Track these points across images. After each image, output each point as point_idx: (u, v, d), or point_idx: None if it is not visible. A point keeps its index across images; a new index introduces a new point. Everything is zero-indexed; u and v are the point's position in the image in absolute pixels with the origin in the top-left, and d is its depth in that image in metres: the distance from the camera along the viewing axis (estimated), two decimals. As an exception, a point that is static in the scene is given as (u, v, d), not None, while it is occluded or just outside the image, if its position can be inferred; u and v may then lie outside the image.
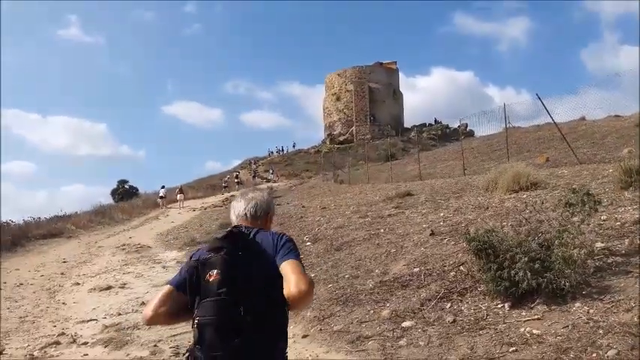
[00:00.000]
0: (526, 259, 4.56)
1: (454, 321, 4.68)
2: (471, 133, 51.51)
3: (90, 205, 26.72)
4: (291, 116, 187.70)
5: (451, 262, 6.09)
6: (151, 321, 1.97)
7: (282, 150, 60.62)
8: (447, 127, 62.46)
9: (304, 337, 5.29)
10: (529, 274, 4.48)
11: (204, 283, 1.82)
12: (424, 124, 63.51)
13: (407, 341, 4.59)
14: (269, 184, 34.90)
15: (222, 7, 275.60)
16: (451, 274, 5.78)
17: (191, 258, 2.02)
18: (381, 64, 62.74)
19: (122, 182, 48.49)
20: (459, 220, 8.02)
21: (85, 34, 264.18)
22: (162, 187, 29.21)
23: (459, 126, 64.86)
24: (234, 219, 2.26)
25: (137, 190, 44.08)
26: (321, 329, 5.35)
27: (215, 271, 1.80)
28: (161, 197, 28.04)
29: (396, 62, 65.31)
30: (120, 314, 7.01)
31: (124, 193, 44.30)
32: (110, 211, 25.00)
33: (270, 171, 40.99)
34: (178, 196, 27.44)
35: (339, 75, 61.25)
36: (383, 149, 42.14)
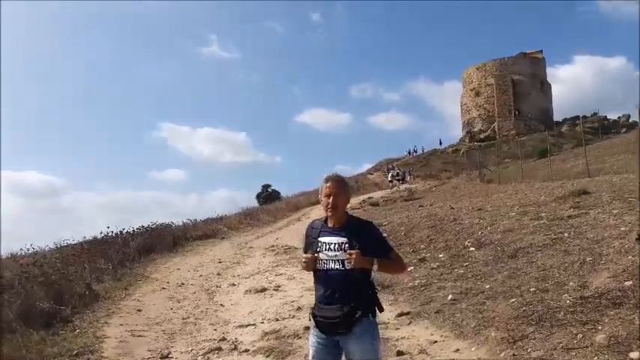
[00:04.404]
0: None
1: None
2: (634, 125, 45.46)
3: (235, 208, 28.14)
4: (419, 116, 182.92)
5: (682, 276, 4.74)
6: None
7: (416, 150, 58.26)
8: (606, 118, 56.02)
9: (494, 362, 4.39)
10: None
11: None
12: (577, 117, 57.50)
13: (645, 380, 3.49)
14: (406, 186, 33.73)
15: (343, 9, 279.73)
16: (686, 291, 4.47)
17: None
18: (525, 54, 58.14)
19: (266, 186, 51.01)
20: (671, 222, 6.47)
21: (223, 50, 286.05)
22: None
23: (619, 117, 58.09)
24: None
25: (279, 193, 45.89)
26: (514, 355, 4.39)
27: None
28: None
29: (541, 51, 60.15)
30: (277, 320, 6.71)
31: (267, 196, 46.38)
32: (257, 213, 26.01)
33: (409, 172, 39.64)
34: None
35: (477, 69, 58.02)
36: (531, 145, 38.79)
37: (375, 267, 2.72)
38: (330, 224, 2.83)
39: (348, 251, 2.67)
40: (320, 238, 2.80)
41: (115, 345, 5.94)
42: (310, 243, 2.84)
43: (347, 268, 2.69)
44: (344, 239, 2.73)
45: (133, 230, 15.04)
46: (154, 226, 16.41)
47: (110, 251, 12.20)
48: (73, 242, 13.85)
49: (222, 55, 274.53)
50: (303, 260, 2.81)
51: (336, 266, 2.72)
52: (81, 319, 6.94)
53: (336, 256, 2.72)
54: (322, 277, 2.77)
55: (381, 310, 2.83)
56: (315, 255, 2.77)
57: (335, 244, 2.74)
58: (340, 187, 2.78)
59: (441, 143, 57.76)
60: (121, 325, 6.85)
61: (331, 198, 2.74)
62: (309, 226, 2.97)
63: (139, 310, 7.79)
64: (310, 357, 2.88)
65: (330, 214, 2.79)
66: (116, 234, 14.27)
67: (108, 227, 14.28)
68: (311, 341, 2.89)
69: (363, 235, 2.74)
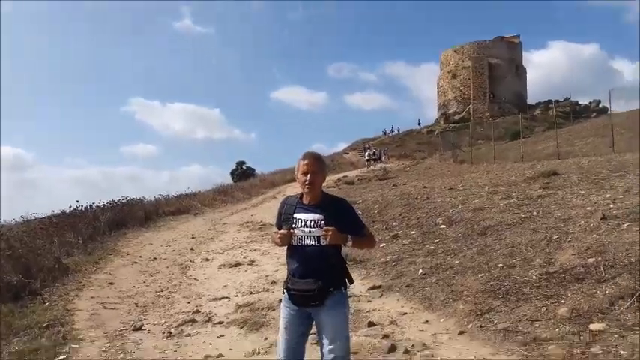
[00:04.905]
0: None
1: (669, 328, 3.65)
2: (603, 110, 46.55)
3: (209, 185, 27.90)
4: (395, 97, 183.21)
5: (641, 253, 4.94)
6: None
7: (392, 130, 58.68)
8: (577, 103, 57.13)
9: (461, 333, 4.54)
10: None
11: None
12: (549, 101, 58.50)
13: (602, 349, 3.66)
14: (381, 165, 33.95)
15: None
16: (645, 267, 4.66)
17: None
18: (502, 38, 58.56)
19: (240, 163, 50.60)
20: (634, 203, 6.70)
21: (197, 25, 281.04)
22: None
23: (589, 102, 59.31)
24: None
25: (254, 170, 45.66)
26: (481, 326, 4.55)
27: None
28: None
29: (518, 36, 60.65)
30: (252, 293, 6.76)
31: (242, 173, 46.10)
32: (231, 190, 25.87)
33: (384, 152, 39.84)
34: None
35: (455, 51, 58.24)
36: (504, 127, 39.37)
37: (350, 243, 2.85)
38: (305, 201, 2.86)
39: (324, 228, 2.73)
40: (295, 215, 2.84)
41: (87, 317, 5.88)
42: (285, 219, 2.87)
43: (322, 244, 2.75)
44: (320, 216, 2.78)
45: (104, 205, 14.77)
46: (125, 200, 16.16)
47: (80, 225, 11.96)
48: (40, 216, 13.56)
49: (196, 29, 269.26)
50: (278, 236, 2.84)
51: (311, 242, 2.78)
52: (51, 292, 6.85)
53: (311, 232, 2.78)
54: (297, 252, 2.83)
55: (352, 281, 2.93)
56: (291, 231, 2.81)
57: (311, 220, 2.79)
58: (317, 164, 2.82)
59: (419, 124, 58.28)
60: (92, 297, 6.77)
61: (308, 175, 2.78)
62: (283, 202, 3.00)
63: (111, 284, 7.71)
64: (282, 327, 2.92)
65: (306, 191, 2.82)
66: (86, 208, 14.01)
67: (77, 202, 14.01)
68: (283, 313, 2.94)
69: (338, 213, 2.81)
